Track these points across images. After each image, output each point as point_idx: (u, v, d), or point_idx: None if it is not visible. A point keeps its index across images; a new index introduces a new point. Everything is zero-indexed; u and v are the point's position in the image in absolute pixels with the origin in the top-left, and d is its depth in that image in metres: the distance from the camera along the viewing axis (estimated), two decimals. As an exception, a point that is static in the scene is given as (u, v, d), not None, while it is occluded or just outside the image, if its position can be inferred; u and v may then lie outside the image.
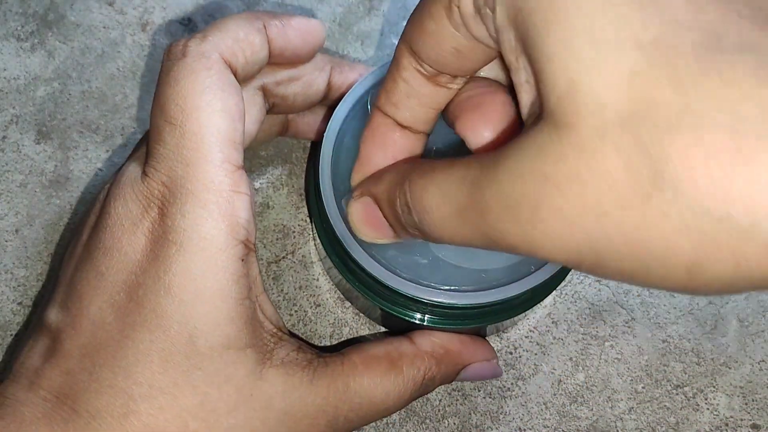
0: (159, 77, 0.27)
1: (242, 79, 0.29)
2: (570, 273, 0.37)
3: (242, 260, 0.27)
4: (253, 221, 0.28)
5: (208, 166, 0.26)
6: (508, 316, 0.31)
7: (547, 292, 0.32)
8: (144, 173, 0.27)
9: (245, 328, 0.27)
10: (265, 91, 0.32)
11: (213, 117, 0.26)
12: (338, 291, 0.37)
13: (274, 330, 0.28)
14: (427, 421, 0.35)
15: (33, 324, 0.29)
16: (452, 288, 0.31)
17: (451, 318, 0.31)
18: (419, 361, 0.30)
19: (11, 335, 0.35)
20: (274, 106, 0.33)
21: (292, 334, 0.29)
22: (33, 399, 0.25)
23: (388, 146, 0.27)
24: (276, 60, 0.31)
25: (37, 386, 0.26)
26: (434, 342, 0.31)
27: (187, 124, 0.26)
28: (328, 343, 0.36)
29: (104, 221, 0.27)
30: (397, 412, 0.35)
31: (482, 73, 0.26)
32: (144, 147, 0.29)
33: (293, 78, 0.32)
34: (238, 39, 0.28)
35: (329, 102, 0.35)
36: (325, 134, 0.32)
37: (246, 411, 0.26)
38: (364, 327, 0.36)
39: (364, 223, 0.27)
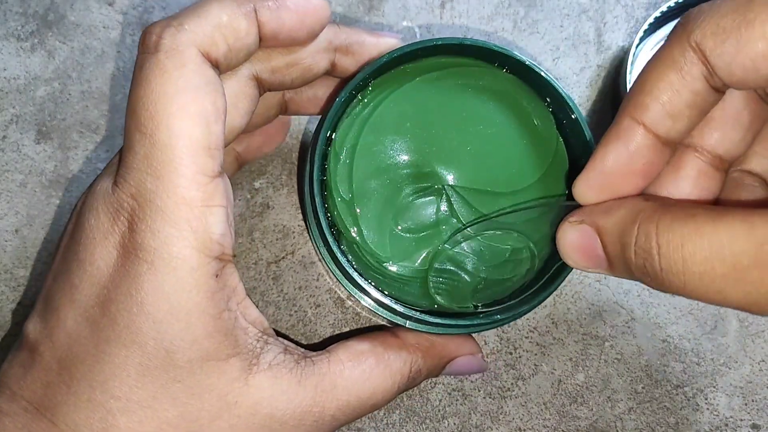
0: (134, 71, 0.26)
1: (226, 67, 0.27)
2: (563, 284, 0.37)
3: (216, 276, 0.26)
4: (230, 232, 0.27)
5: (179, 180, 0.25)
6: (491, 327, 0.31)
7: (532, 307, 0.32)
8: (114, 183, 0.26)
9: (226, 341, 0.26)
10: (259, 81, 0.30)
11: (185, 124, 0.25)
12: (338, 291, 0.37)
13: (260, 334, 0.27)
14: (428, 421, 0.35)
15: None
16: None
17: (433, 326, 0.31)
18: (405, 353, 0.30)
19: (11, 335, 0.35)
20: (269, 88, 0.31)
21: (278, 333, 0.29)
22: (15, 409, 0.25)
23: (638, 167, 0.25)
24: (269, 44, 0.28)
25: (19, 397, 0.26)
26: (419, 335, 0.31)
27: (157, 133, 0.24)
28: (328, 344, 0.36)
29: (78, 233, 0.26)
30: (398, 412, 0.35)
31: None
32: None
33: (291, 64, 0.30)
34: (220, 24, 0.26)
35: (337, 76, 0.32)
36: (316, 146, 0.30)
37: (230, 418, 0.26)
38: (364, 327, 0.36)
39: (577, 251, 0.26)
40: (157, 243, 0.25)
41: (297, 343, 0.30)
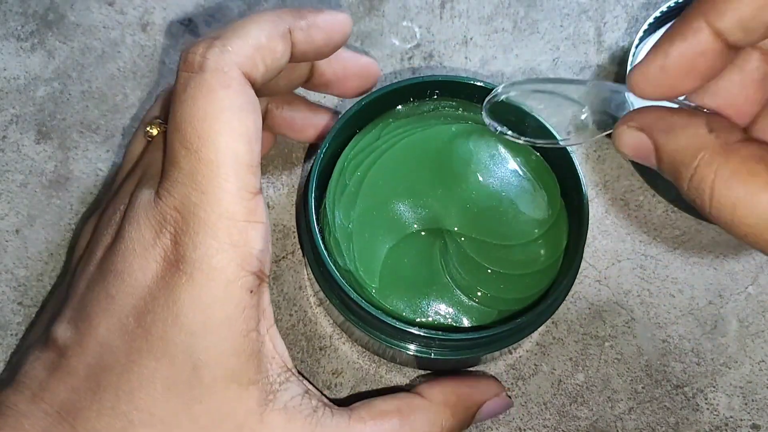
0: (175, 90, 0.26)
1: (260, 86, 0.27)
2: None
3: (251, 291, 0.26)
4: (269, 250, 0.27)
5: (223, 195, 0.25)
6: (505, 345, 0.31)
7: (551, 312, 0.32)
8: (157, 195, 0.26)
9: (249, 362, 0.26)
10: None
11: (230, 142, 0.25)
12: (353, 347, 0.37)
13: (283, 369, 0.27)
14: (428, 421, 0.35)
15: (36, 333, 0.29)
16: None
17: (455, 349, 0.30)
18: (432, 414, 0.29)
19: (12, 335, 0.35)
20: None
21: (301, 375, 0.28)
22: (35, 411, 0.25)
23: (700, 68, 0.23)
24: (295, 61, 0.29)
25: (39, 399, 0.26)
26: (444, 391, 0.30)
27: (203, 149, 0.25)
28: (328, 344, 0.36)
29: (118, 244, 0.27)
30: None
31: None
32: (152, 166, 0.28)
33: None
34: (260, 46, 0.26)
35: (313, 84, 0.33)
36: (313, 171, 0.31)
37: None
38: (386, 388, 0.36)
39: (632, 150, 0.25)
40: (197, 255, 0.25)
41: (318, 389, 0.29)
